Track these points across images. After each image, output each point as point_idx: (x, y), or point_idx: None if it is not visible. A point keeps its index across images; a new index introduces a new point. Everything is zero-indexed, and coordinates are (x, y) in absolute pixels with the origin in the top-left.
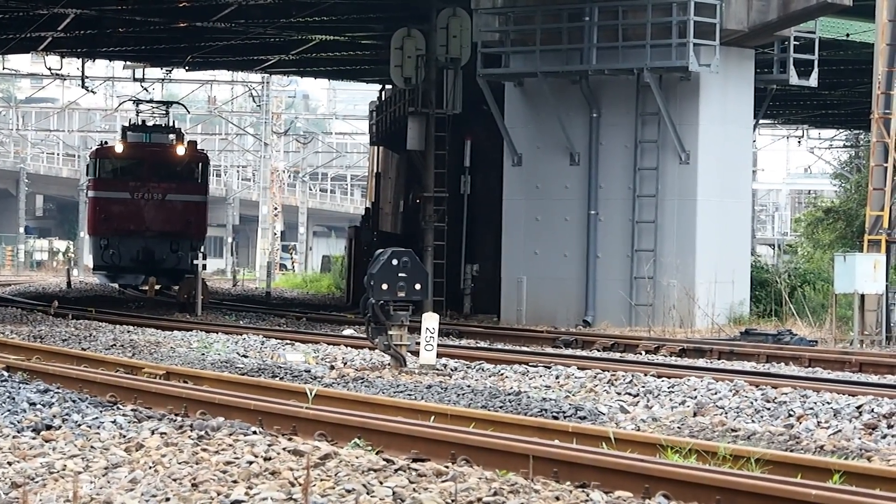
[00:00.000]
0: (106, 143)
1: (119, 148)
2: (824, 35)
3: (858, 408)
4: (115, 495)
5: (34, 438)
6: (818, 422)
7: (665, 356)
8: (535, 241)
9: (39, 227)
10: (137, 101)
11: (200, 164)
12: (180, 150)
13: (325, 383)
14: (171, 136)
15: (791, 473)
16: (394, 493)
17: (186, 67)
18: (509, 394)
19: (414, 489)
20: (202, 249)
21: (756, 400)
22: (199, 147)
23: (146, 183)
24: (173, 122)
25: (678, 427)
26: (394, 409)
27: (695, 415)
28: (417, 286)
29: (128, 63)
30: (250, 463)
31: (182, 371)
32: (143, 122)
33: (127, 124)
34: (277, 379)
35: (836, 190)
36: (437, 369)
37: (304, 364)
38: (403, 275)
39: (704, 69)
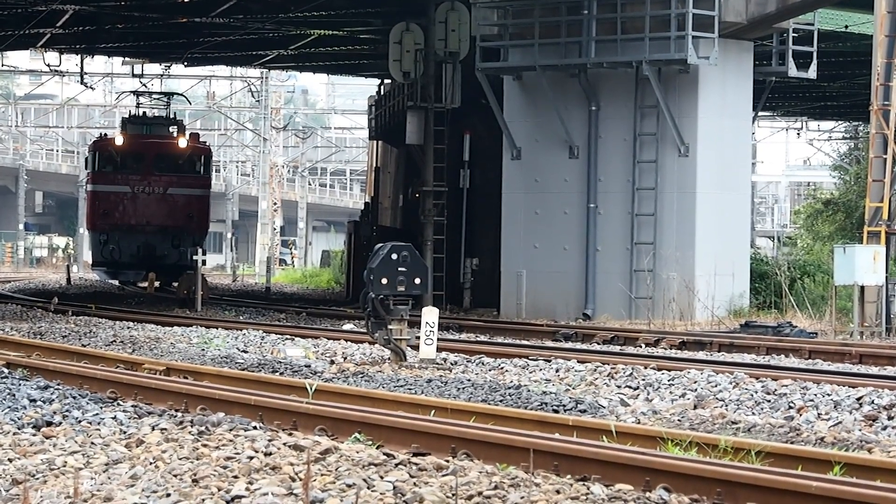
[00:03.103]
0: (105, 135)
1: (119, 140)
2: (823, 27)
3: (859, 399)
4: (115, 491)
5: (35, 435)
6: (818, 414)
7: (665, 349)
8: (534, 234)
9: (39, 223)
10: (138, 94)
11: (203, 157)
12: (182, 143)
13: (326, 378)
14: (173, 128)
15: (792, 465)
16: (394, 487)
17: (185, 63)
18: (509, 387)
19: (414, 483)
20: (203, 245)
21: (756, 392)
22: (200, 139)
23: (147, 176)
24: (174, 114)
25: (678, 420)
26: (394, 404)
27: (695, 407)
28: (417, 280)
29: (126, 59)
30: (251, 458)
31: (182, 367)
32: (144, 113)
33: (127, 116)
34: (277, 374)
35: (835, 182)
36: (437, 363)
37: (304, 359)
38: (403, 269)
39: (703, 62)
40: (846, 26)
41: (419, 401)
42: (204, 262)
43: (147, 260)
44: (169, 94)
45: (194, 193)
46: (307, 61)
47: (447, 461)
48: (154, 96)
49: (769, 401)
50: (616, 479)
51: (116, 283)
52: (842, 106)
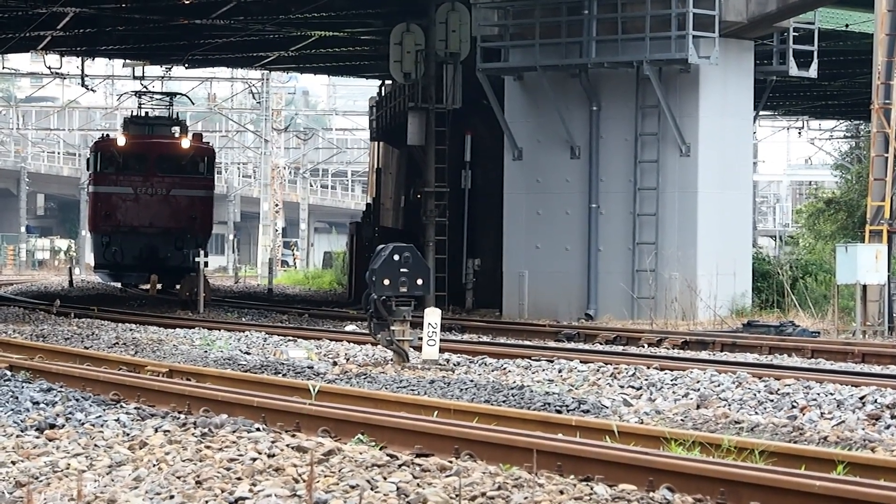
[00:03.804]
0: (107, 135)
1: (121, 140)
2: (823, 26)
3: (861, 398)
4: (119, 493)
5: (38, 437)
6: (821, 413)
7: (668, 349)
8: (536, 235)
9: (41, 226)
10: (140, 94)
11: (206, 157)
12: (185, 143)
13: (328, 379)
14: (175, 129)
15: (795, 465)
16: (398, 488)
17: (186, 65)
18: (512, 388)
19: (418, 484)
20: (206, 247)
21: (759, 392)
22: (203, 139)
23: (149, 177)
24: (177, 114)
25: (681, 419)
26: (397, 405)
27: (698, 407)
28: (419, 281)
29: (127, 61)
30: (254, 460)
31: (185, 369)
32: (146, 113)
33: (129, 115)
34: (280, 376)
35: (836, 181)
36: (440, 364)
37: (307, 360)
38: (405, 270)
39: (704, 61)
40: (847, 25)
41: (422, 402)
42: (206, 265)
43: (150, 262)
44: (171, 94)
45: (197, 194)
46: (308, 62)
47: (450, 462)
48: (156, 96)
49: (772, 400)
50: (619, 480)
51: (118, 285)
52: (843, 105)
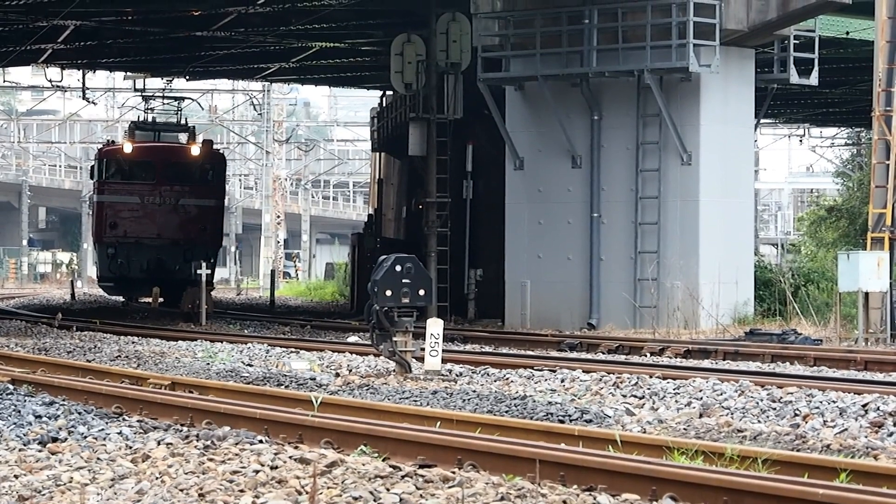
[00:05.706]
0: (113, 141)
1: (127, 147)
2: (824, 33)
3: (864, 406)
4: None
5: (40, 451)
6: (824, 421)
7: (670, 358)
8: (538, 244)
9: (42, 239)
10: (147, 97)
11: (216, 165)
12: (194, 150)
13: (331, 391)
14: (184, 135)
15: (798, 473)
16: (401, 499)
17: (187, 77)
18: (515, 398)
19: (421, 495)
20: (214, 259)
21: (762, 400)
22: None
23: (157, 186)
24: (185, 119)
25: (684, 428)
26: (400, 416)
27: (701, 416)
28: (421, 292)
29: (128, 74)
30: (257, 472)
31: (187, 381)
32: (154, 119)
33: (135, 120)
34: (283, 387)
35: (838, 188)
36: (443, 375)
37: (310, 372)
38: (407, 281)
39: (705, 70)
40: (847, 32)
41: (425, 412)
42: (210, 276)
43: (157, 275)
44: (179, 99)
45: (207, 204)
46: (309, 74)
47: (453, 473)
48: (164, 101)
49: (775, 408)
50: (622, 489)
51: (121, 298)
52: (844, 112)
